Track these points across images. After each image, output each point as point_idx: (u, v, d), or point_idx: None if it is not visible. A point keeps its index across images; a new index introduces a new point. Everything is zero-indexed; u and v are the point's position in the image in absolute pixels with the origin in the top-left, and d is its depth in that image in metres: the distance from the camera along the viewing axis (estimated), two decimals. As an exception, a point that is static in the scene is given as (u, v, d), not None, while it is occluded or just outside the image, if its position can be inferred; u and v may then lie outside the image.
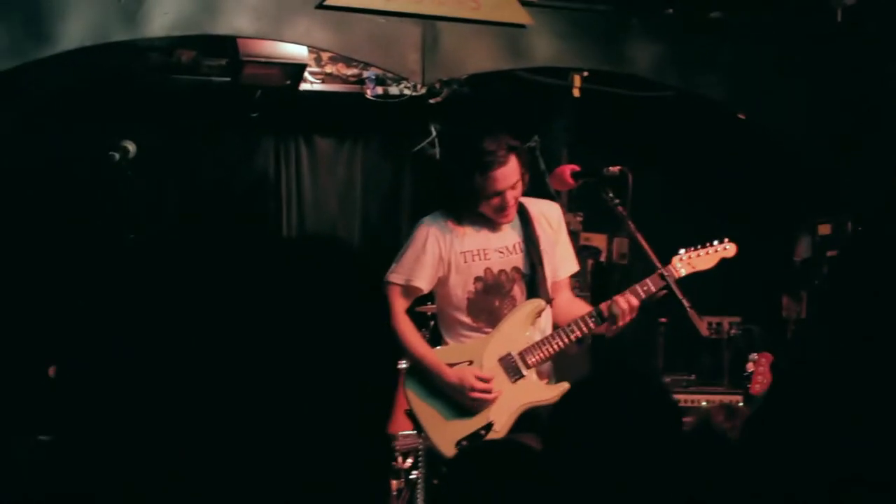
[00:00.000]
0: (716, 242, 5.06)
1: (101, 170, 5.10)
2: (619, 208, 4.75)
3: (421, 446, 5.77)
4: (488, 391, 4.78)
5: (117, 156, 5.06)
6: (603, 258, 7.29)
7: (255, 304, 7.17)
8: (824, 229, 6.95)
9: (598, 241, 7.00)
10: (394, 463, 6.14)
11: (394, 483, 6.18)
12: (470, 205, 4.86)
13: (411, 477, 6.11)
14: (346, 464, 6.94)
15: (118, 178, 5.11)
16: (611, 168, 4.82)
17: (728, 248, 5.04)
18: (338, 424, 7.05)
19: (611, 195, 4.78)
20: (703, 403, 6.59)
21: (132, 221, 5.22)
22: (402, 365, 5.71)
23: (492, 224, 4.93)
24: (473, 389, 4.77)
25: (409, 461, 6.10)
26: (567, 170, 4.87)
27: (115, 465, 6.20)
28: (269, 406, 6.97)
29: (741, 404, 5.26)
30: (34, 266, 6.44)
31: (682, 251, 4.94)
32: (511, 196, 4.81)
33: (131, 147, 5.12)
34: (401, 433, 6.18)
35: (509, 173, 4.77)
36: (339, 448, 7.01)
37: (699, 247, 4.98)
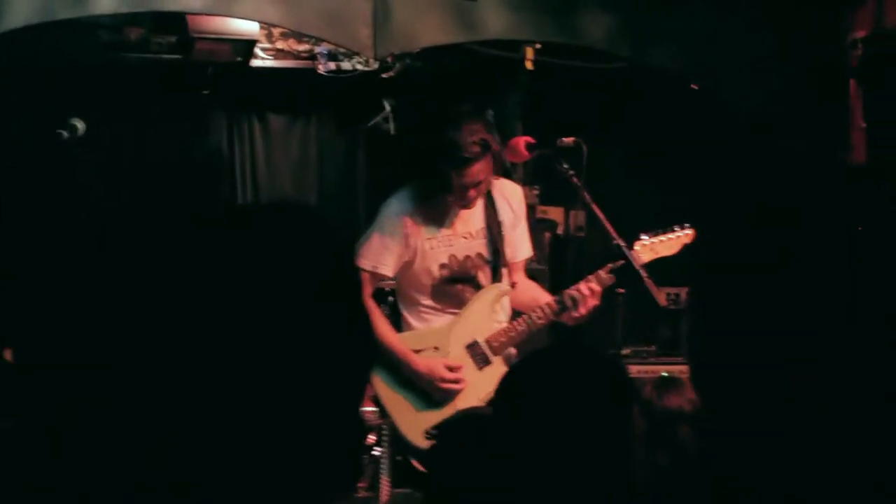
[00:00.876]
0: (676, 228, 5.05)
1: (51, 148, 5.04)
2: (574, 179, 4.75)
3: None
4: (457, 381, 4.78)
5: (66, 134, 5.01)
6: (560, 231, 7.27)
7: (210, 282, 7.11)
8: (779, 198, 6.96)
9: (555, 213, 6.99)
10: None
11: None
12: (436, 191, 4.80)
13: (374, 453, 6.09)
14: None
15: (68, 156, 5.06)
16: (565, 139, 4.82)
17: (688, 234, 5.04)
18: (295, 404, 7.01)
19: (565, 166, 4.79)
20: (664, 374, 6.61)
21: (83, 200, 5.17)
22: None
23: (455, 210, 4.90)
24: (443, 380, 4.77)
25: (373, 437, 6.08)
26: (521, 141, 4.86)
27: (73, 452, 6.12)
28: (227, 387, 6.91)
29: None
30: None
31: (644, 237, 4.93)
32: (481, 188, 4.77)
33: (80, 125, 5.07)
34: (363, 409, 6.15)
35: (481, 170, 4.72)
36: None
37: (660, 232, 4.98)
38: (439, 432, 2.59)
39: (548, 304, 4.79)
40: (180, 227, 1.71)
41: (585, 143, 4.81)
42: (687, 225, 5.06)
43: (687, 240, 5.02)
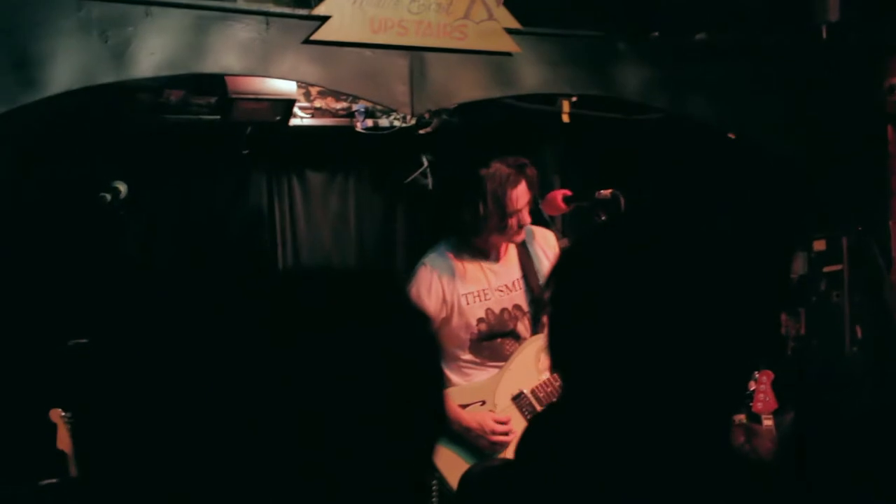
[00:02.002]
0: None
1: (93, 211, 5.09)
2: (612, 232, 4.75)
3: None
4: (507, 433, 4.78)
5: (109, 197, 5.06)
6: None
7: (255, 341, 7.14)
8: (819, 245, 6.95)
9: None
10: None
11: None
12: (480, 230, 4.84)
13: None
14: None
15: (110, 220, 5.11)
16: (602, 192, 4.84)
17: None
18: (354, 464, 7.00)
19: (603, 219, 4.80)
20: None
21: (127, 262, 5.21)
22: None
23: (491, 260, 4.92)
24: (494, 433, 4.77)
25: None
26: (559, 195, 4.89)
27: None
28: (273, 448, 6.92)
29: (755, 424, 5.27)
30: (29, 310, 6.41)
31: None
32: (524, 216, 4.83)
33: (122, 188, 5.12)
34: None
35: (522, 193, 4.81)
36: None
37: None
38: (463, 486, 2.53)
39: None
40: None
41: (622, 194, 4.82)
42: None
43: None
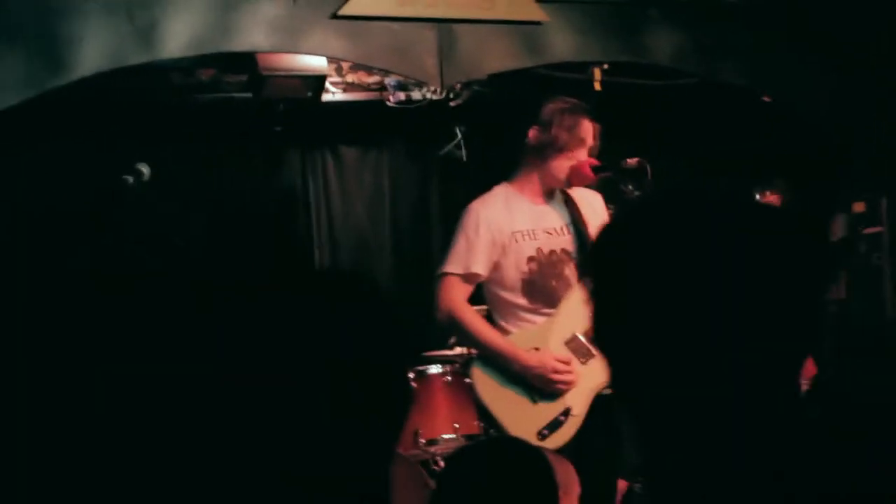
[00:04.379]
0: (756, 195, 5.03)
1: (120, 193, 5.11)
2: (640, 201, 4.73)
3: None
4: (570, 371, 4.76)
5: (131, 179, 5.08)
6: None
7: (292, 317, 7.16)
8: (859, 207, 6.88)
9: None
10: (434, 467, 6.12)
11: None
12: (546, 154, 4.85)
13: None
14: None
15: (135, 202, 5.13)
16: (629, 160, 4.81)
17: (773, 198, 5.02)
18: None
19: (630, 188, 4.77)
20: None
21: (153, 244, 5.24)
22: (435, 370, 5.72)
23: (542, 202, 4.93)
24: (556, 371, 4.75)
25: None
26: (586, 164, 4.85)
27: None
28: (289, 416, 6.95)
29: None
30: (56, 292, 6.45)
31: None
32: (588, 154, 4.86)
33: (145, 170, 5.14)
34: (442, 436, 6.15)
35: (591, 130, 4.91)
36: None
37: None
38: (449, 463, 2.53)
39: None
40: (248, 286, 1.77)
41: (651, 162, 4.79)
42: (769, 192, 5.03)
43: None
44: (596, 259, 1.60)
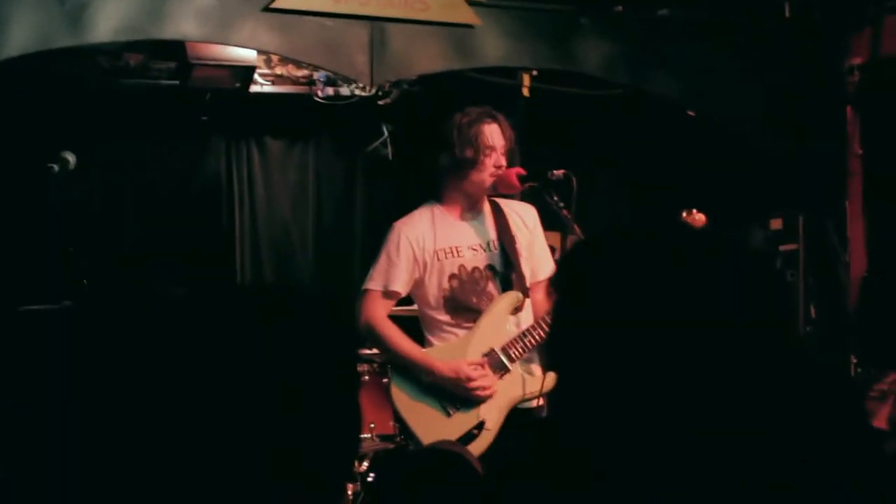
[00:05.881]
0: (684, 213, 5.09)
1: (44, 180, 5.04)
2: (564, 212, 4.76)
3: (378, 448, 5.76)
4: (486, 376, 4.77)
5: (56, 167, 5.01)
6: (558, 256, 7.29)
7: (209, 307, 7.11)
8: (776, 224, 6.98)
9: (553, 239, 6.98)
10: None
11: (350, 486, 6.15)
12: (458, 169, 4.85)
13: (368, 480, 6.08)
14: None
15: (59, 190, 5.06)
16: (555, 172, 4.82)
17: (697, 218, 5.08)
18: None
19: (556, 199, 4.79)
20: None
21: (74, 234, 5.17)
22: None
23: (467, 219, 4.94)
24: (469, 378, 4.76)
25: (366, 464, 6.07)
26: (513, 173, 4.86)
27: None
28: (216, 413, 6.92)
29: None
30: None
31: None
32: (500, 157, 4.84)
33: (71, 158, 5.07)
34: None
35: (496, 131, 4.85)
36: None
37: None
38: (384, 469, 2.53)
39: None
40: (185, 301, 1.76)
41: (576, 171, 4.82)
42: (695, 210, 5.09)
43: (696, 225, 5.06)
44: (556, 291, 1.63)
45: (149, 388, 1.59)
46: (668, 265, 1.55)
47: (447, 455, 2.82)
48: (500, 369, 4.82)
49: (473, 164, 4.84)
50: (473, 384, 4.76)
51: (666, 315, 1.51)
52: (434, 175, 4.99)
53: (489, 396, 4.79)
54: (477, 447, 4.73)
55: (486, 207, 5.02)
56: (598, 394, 1.55)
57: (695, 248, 1.58)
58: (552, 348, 1.67)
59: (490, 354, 4.84)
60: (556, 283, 1.65)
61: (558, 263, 1.66)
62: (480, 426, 4.78)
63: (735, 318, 1.52)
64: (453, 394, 4.79)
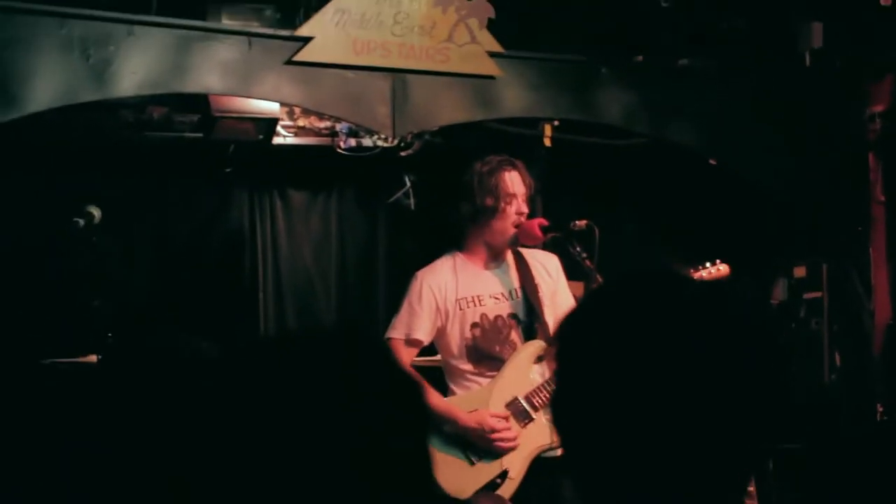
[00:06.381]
0: (708, 265, 5.09)
1: (68, 236, 5.07)
2: (587, 262, 4.77)
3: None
4: (509, 428, 4.77)
5: (82, 222, 5.04)
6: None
7: (235, 359, 7.11)
8: (800, 272, 6.96)
9: (576, 289, 6.99)
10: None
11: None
12: (479, 219, 4.87)
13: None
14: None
15: (85, 244, 5.08)
16: (578, 222, 4.85)
17: (721, 269, 5.08)
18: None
19: (578, 249, 4.81)
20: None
21: (98, 288, 5.18)
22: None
23: (490, 267, 4.96)
24: (493, 430, 4.76)
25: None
26: (535, 224, 4.89)
27: None
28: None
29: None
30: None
31: None
32: (521, 204, 4.86)
33: (96, 213, 5.10)
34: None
35: (516, 178, 4.89)
36: None
37: (691, 270, 5.03)
38: None
39: None
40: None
41: (598, 221, 4.84)
42: (719, 261, 5.09)
43: (721, 275, 5.05)
44: (559, 345, 1.64)
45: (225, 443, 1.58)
46: (652, 321, 1.56)
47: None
48: (524, 418, 4.82)
49: (494, 212, 4.86)
50: (496, 435, 4.76)
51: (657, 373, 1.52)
52: (456, 225, 5.02)
53: (513, 448, 4.79)
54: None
55: (509, 257, 5.04)
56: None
57: (680, 303, 1.59)
58: (556, 415, 1.67)
59: (513, 403, 4.84)
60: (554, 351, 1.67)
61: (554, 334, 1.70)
62: (504, 475, 4.77)
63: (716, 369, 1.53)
64: (475, 444, 4.79)
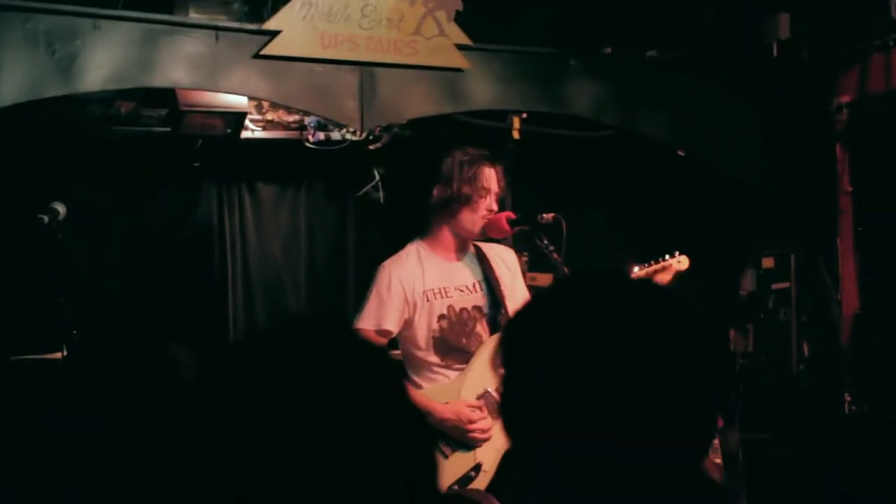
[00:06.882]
0: (668, 256, 5.11)
1: (32, 233, 5.04)
2: (554, 255, 4.78)
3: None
4: (485, 418, 4.77)
5: (46, 218, 5.00)
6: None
7: (203, 354, 7.09)
8: (768, 262, 6.99)
9: (543, 280, 7.00)
10: None
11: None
12: (451, 205, 4.87)
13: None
14: None
15: (50, 241, 5.05)
16: (545, 215, 4.86)
17: (681, 261, 5.09)
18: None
19: (545, 242, 4.82)
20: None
21: (65, 284, 5.14)
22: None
23: (454, 259, 4.96)
24: (471, 420, 4.76)
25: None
26: (503, 217, 4.90)
27: None
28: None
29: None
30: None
31: (635, 268, 4.98)
32: (493, 201, 4.87)
33: (61, 209, 5.06)
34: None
35: (491, 175, 4.92)
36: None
37: (652, 262, 5.04)
38: None
39: None
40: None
41: (566, 213, 4.84)
42: (678, 252, 5.10)
43: (681, 268, 5.06)
44: (505, 344, 1.69)
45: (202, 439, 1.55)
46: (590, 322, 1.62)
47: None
48: (496, 410, 4.82)
49: (468, 201, 4.86)
50: (473, 426, 4.76)
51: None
52: (424, 211, 5.01)
53: (487, 439, 4.79)
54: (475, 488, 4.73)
55: (472, 249, 5.04)
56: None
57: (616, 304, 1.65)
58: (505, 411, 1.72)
59: (485, 396, 4.84)
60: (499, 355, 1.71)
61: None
62: (478, 468, 4.77)
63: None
64: (450, 436, 4.79)
